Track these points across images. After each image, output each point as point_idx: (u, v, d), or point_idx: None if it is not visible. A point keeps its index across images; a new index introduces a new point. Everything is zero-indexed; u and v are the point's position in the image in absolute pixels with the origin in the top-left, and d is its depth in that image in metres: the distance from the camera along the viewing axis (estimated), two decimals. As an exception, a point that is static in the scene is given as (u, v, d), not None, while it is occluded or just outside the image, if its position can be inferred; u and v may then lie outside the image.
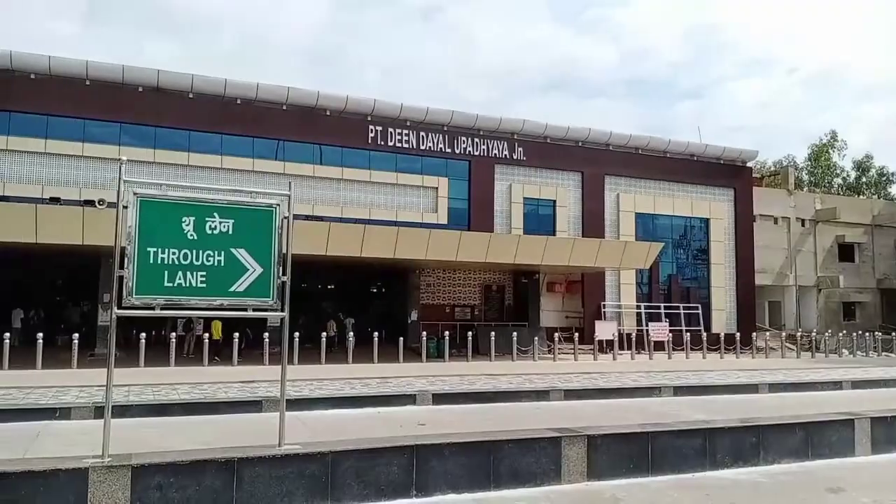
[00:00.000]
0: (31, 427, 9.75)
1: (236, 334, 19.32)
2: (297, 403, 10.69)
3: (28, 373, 16.35)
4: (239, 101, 25.60)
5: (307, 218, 23.01)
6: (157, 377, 14.83)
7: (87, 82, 23.55)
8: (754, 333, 28.71)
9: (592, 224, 30.70)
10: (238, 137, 25.24)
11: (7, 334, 17.83)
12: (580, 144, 31.40)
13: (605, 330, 27.03)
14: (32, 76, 23.02)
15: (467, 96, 79.54)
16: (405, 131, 27.96)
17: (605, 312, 30.26)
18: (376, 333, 21.08)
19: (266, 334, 19.84)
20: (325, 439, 7.45)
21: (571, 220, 30.61)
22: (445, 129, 28.74)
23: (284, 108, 26.29)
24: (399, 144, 27.84)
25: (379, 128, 27.50)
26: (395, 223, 25.64)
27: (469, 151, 29.03)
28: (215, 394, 12.26)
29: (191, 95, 24.92)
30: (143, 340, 18.13)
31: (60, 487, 5.56)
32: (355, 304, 28.79)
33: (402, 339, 21.55)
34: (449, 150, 28.70)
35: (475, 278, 28.80)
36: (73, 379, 14.69)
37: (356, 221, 24.60)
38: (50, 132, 22.82)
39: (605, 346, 26.20)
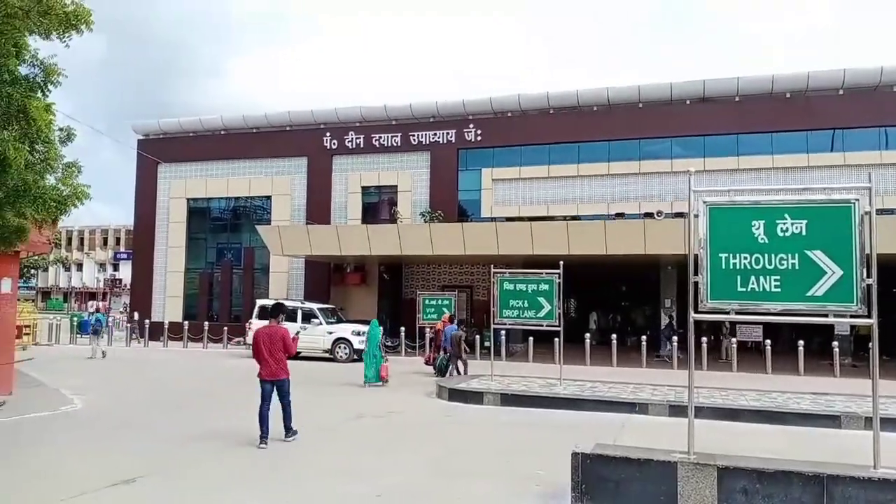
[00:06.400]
0: (616, 418, 11.07)
1: (801, 342, 18.25)
2: (886, 423, 9.36)
3: (607, 369, 18.57)
4: (789, 95, 24.10)
5: (877, 213, 20.03)
6: (719, 381, 15.04)
7: (640, 105, 25.62)
8: None
9: None
10: (788, 134, 23.81)
11: (587, 335, 20.74)
12: None
13: None
14: (594, 108, 26.25)
15: None
16: None
17: None
18: None
19: (835, 343, 18.16)
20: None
21: None
22: None
23: (840, 92, 23.62)
24: None
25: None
26: None
27: None
28: (786, 403, 11.72)
29: (737, 99, 24.62)
30: (704, 345, 18.67)
31: (652, 476, 6.11)
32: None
33: None
34: None
35: None
36: (643, 377, 16.13)
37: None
38: (612, 156, 25.64)
39: None
